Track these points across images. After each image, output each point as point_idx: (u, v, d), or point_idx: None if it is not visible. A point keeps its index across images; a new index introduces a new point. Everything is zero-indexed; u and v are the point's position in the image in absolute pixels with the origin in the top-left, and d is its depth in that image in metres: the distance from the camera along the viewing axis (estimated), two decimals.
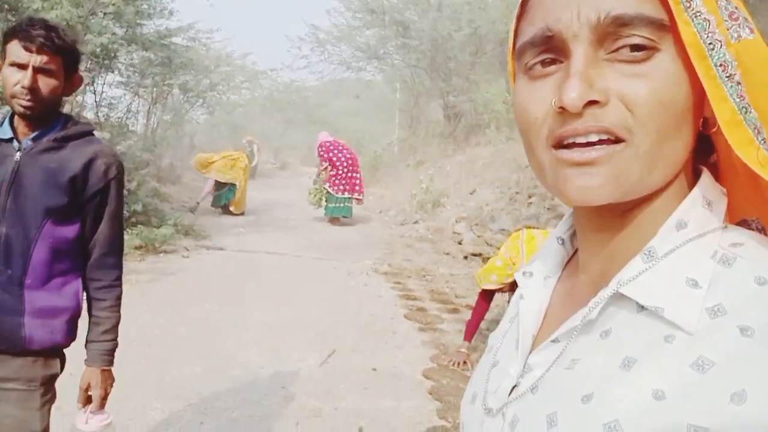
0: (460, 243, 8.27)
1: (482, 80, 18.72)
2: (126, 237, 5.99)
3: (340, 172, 9.86)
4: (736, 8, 0.48)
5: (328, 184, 9.85)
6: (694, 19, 0.46)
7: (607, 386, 0.47)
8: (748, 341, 0.43)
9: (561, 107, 0.47)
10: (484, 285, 4.11)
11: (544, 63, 0.50)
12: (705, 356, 0.43)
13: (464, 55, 16.26)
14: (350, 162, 10.06)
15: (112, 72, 9.51)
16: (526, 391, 0.54)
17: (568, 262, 0.63)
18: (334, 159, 9.91)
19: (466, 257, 7.46)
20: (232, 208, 9.94)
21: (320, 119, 33.00)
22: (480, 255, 7.39)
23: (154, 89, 11.20)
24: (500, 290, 4.24)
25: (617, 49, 0.46)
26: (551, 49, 0.49)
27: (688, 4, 0.46)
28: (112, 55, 8.24)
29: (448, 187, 11.57)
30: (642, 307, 0.48)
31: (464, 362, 3.93)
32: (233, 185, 9.92)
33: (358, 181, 10.11)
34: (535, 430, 0.51)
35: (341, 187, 9.88)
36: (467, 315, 5.04)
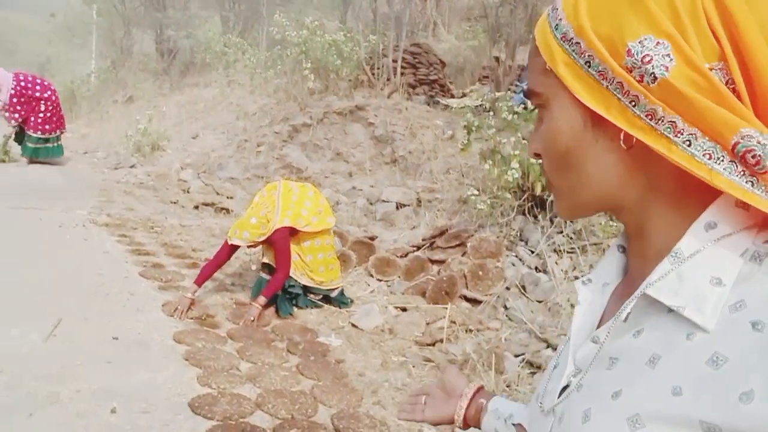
0: (187, 191, 7.79)
1: (198, 16, 17.60)
2: None
3: (50, 108, 8.44)
4: (656, 44, 0.49)
5: (32, 131, 8.36)
6: (610, 86, 0.52)
7: (633, 383, 0.51)
8: (758, 336, 0.44)
9: None
10: (234, 240, 3.94)
11: None
12: (719, 352, 0.45)
13: None
14: (56, 95, 8.74)
15: None
16: (573, 389, 0.58)
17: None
18: (46, 96, 8.43)
19: (197, 207, 7.05)
20: None
21: None
22: (212, 205, 7.08)
23: None
24: (250, 246, 4.13)
25: None
26: None
27: (602, 76, 0.52)
28: None
29: (168, 129, 10.73)
30: (671, 308, 0.51)
31: (189, 308, 3.80)
32: None
33: (62, 113, 8.83)
34: (573, 425, 0.55)
35: (53, 125, 8.47)
36: None
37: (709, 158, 0.48)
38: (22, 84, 8.34)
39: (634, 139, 0.51)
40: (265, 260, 4.21)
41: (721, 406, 0.44)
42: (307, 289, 4.27)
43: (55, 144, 8.71)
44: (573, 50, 0.54)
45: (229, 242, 3.96)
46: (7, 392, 2.60)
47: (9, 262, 4.24)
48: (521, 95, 7.87)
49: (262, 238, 3.95)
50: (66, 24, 22.14)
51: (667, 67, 0.48)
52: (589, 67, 0.53)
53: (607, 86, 0.52)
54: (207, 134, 10.30)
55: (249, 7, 15.92)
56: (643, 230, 0.57)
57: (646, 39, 0.49)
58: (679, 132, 0.49)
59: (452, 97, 10.08)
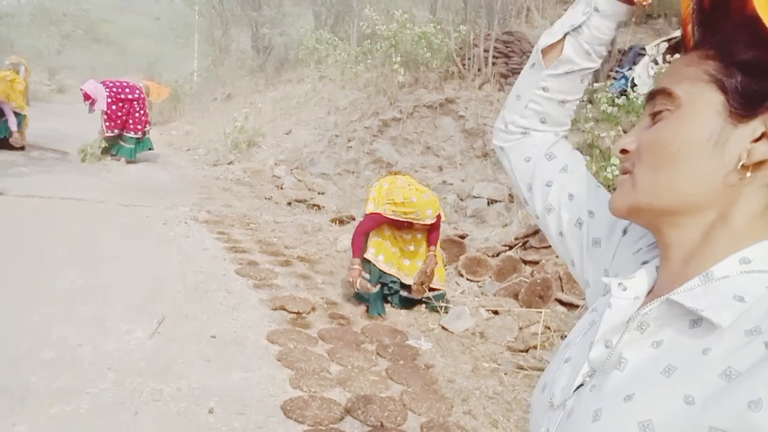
0: (280, 187, 8.00)
1: (291, 13, 18.02)
2: None
3: (141, 107, 8.96)
4: None
5: (131, 132, 8.88)
6: None
7: (647, 389, 0.54)
8: None
9: None
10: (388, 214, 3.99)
11: None
12: (733, 367, 0.49)
13: None
14: (143, 95, 9.30)
15: None
16: (586, 388, 0.61)
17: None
18: (137, 97, 8.95)
19: (290, 203, 7.23)
20: (12, 141, 8.32)
21: (104, 37, 29.29)
22: (304, 201, 7.23)
23: None
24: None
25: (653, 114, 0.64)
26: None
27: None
28: None
29: (263, 125, 11.08)
30: (693, 323, 0.55)
31: (359, 276, 3.93)
32: (18, 114, 8.34)
33: (147, 111, 9.42)
34: (582, 422, 0.58)
35: (144, 124, 9.00)
36: (301, 268, 4.92)
37: None
38: (114, 90, 8.78)
39: (749, 172, 0.57)
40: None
41: (731, 413, 0.47)
42: (403, 287, 4.22)
43: (145, 138, 9.10)
44: None
45: (384, 215, 3.99)
46: (115, 389, 2.76)
47: (119, 258, 4.52)
48: (622, 81, 7.42)
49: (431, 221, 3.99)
50: (170, 25, 23.38)
51: None
52: None
53: None
54: (299, 130, 10.53)
55: (340, 1, 16.08)
56: (692, 253, 0.60)
57: None
58: None
59: None
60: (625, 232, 0.77)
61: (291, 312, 3.95)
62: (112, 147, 8.91)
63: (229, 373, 3.05)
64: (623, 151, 0.65)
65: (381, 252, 4.15)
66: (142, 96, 9.04)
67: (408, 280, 4.19)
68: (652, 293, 0.65)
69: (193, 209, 6.45)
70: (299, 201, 7.24)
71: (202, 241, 5.30)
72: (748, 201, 0.58)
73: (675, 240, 0.62)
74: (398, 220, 3.99)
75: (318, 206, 7.03)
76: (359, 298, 4.22)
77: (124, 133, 8.86)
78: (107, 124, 8.69)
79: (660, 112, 0.62)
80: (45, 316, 3.41)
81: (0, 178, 6.62)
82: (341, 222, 6.31)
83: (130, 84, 9.14)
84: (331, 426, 2.69)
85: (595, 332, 0.65)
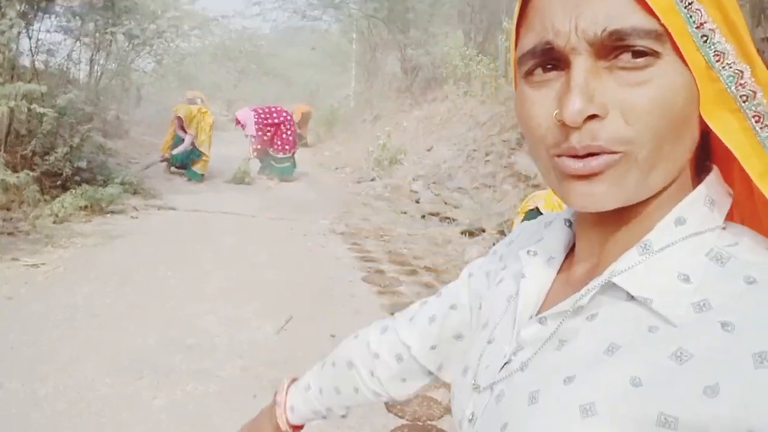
0: (417, 201, 8.25)
1: (440, 33, 18.44)
2: (69, 198, 5.75)
3: (288, 130, 9.82)
4: None
5: (278, 152, 9.75)
6: (723, 72, 0.47)
7: (589, 369, 0.49)
8: (727, 336, 0.43)
9: (561, 120, 0.47)
10: None
11: (544, 68, 0.50)
12: (684, 348, 0.44)
13: (423, 6, 15.90)
14: (292, 119, 10.27)
15: (50, 16, 8.81)
16: (516, 368, 0.56)
17: (574, 245, 0.62)
18: (283, 120, 9.83)
19: (423, 216, 7.43)
20: (195, 168, 9.27)
21: (273, 70, 32.09)
22: (437, 214, 7.39)
23: (96, 35, 10.52)
24: None
25: (618, 56, 0.46)
26: (551, 58, 0.49)
27: (717, 59, 0.47)
28: None
29: (405, 143, 11.47)
30: (631, 297, 0.50)
31: None
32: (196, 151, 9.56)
33: (295, 134, 10.25)
34: (517, 405, 0.53)
35: (291, 145, 9.83)
36: (425, 277, 5.07)
37: None
38: (263, 116, 9.62)
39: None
40: None
41: (683, 398, 0.43)
42: None
43: (290, 163, 9.85)
44: (691, 17, 0.46)
45: None
46: (240, 375, 3.12)
47: (260, 264, 5.02)
48: None
49: None
50: (328, 54, 25.06)
51: None
52: (705, 42, 0.46)
53: (720, 72, 0.47)
54: (440, 146, 10.75)
55: (489, 17, 16.17)
56: (623, 218, 0.52)
57: None
58: None
59: None
60: (470, 275, 0.80)
61: None
62: (264, 168, 9.80)
63: None
64: (591, 117, 0.46)
65: None
66: (289, 119, 9.86)
67: None
68: (576, 253, 0.59)
69: (333, 223, 6.90)
70: (433, 214, 7.42)
71: (336, 251, 5.67)
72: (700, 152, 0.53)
73: None
74: None
75: (451, 219, 7.15)
76: None
77: (272, 153, 9.69)
78: (253, 147, 9.59)
79: (644, 54, 0.46)
80: (194, 310, 3.91)
81: (174, 195, 7.64)
82: (471, 234, 6.38)
83: (278, 108, 10.03)
84: (429, 422, 2.79)
85: (516, 307, 0.60)
